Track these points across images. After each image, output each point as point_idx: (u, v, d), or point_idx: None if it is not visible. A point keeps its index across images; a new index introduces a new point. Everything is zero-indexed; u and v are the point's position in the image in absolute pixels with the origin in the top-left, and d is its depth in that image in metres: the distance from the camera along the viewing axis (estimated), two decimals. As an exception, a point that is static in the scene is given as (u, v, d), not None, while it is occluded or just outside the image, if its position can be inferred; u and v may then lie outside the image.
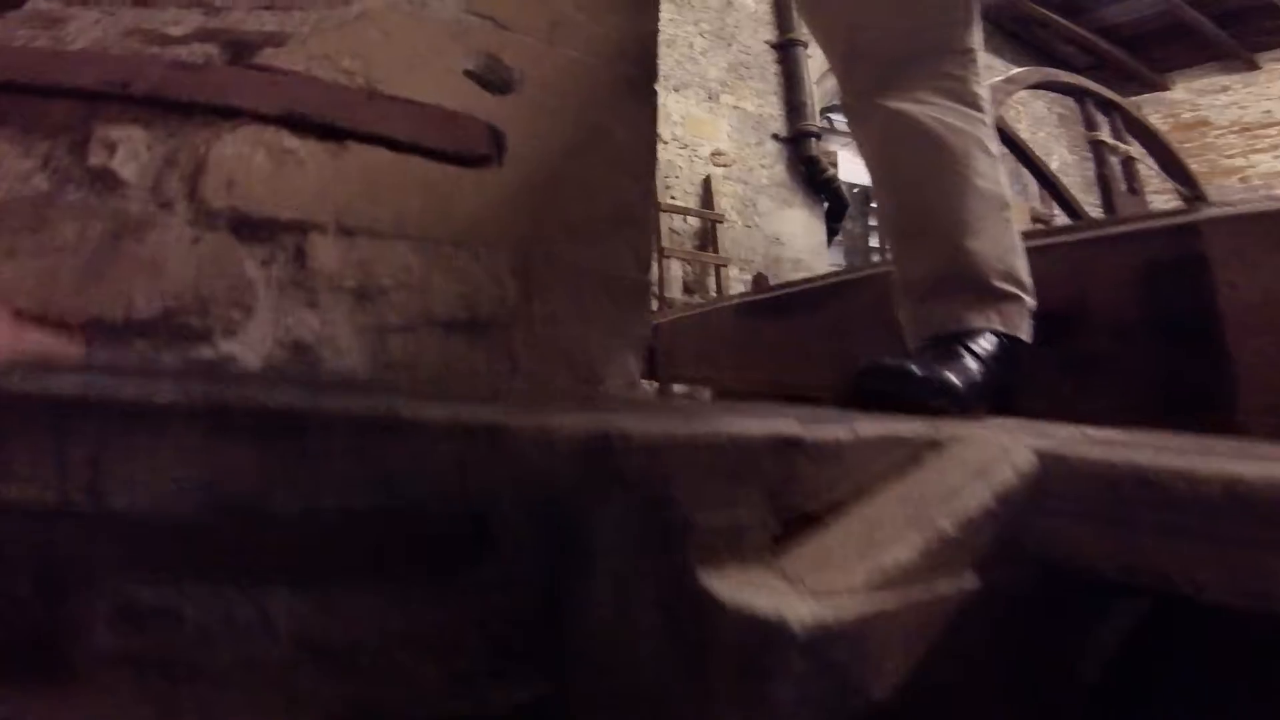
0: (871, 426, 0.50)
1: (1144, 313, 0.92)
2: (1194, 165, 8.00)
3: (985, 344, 0.81)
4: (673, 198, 4.01)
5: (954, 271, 0.84)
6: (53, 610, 0.32)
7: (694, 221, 4.08)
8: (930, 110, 0.87)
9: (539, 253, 0.74)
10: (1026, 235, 1.02)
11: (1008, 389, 0.82)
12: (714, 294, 3.84)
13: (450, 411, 0.30)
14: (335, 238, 0.61)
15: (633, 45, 0.88)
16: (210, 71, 0.62)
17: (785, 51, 5.09)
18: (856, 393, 0.71)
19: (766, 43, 5.11)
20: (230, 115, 0.61)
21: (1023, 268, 0.87)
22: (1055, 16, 6.47)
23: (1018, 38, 6.98)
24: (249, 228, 0.59)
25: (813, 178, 4.78)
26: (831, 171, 4.69)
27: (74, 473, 0.27)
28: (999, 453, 0.48)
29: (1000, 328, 0.83)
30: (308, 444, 0.28)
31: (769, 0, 5.17)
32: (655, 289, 3.66)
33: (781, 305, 1.77)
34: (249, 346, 0.60)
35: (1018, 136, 2.13)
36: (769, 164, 4.75)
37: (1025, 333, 0.85)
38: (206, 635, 0.39)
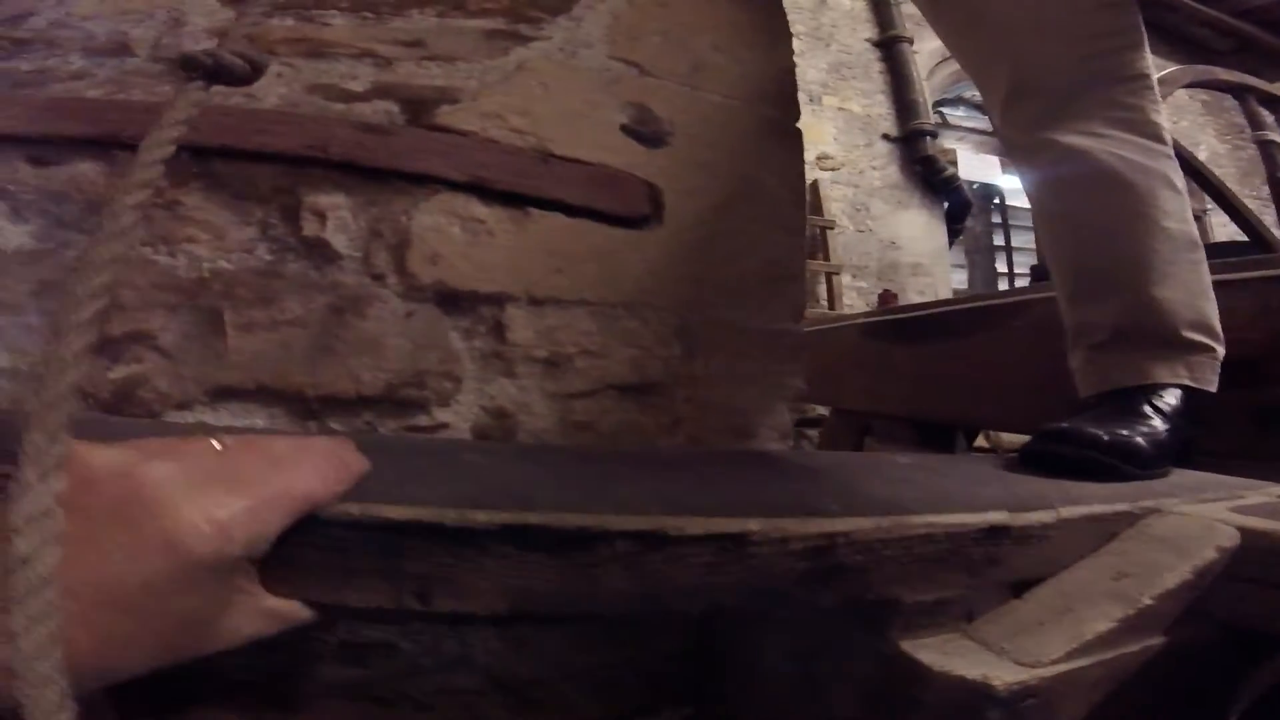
0: (1073, 510, 0.51)
1: None
2: None
3: (1171, 399, 0.76)
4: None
5: (1139, 321, 0.78)
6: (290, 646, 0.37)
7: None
8: (1108, 145, 0.81)
9: (698, 313, 0.76)
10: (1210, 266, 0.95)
11: (1191, 439, 0.77)
12: (824, 302, 3.76)
13: (705, 525, 0.34)
14: (527, 308, 0.67)
15: (771, 85, 0.89)
16: (398, 135, 0.68)
17: (889, 49, 4.91)
18: (1040, 457, 0.68)
19: (867, 40, 4.95)
20: (422, 182, 0.66)
21: (1213, 314, 0.81)
22: (1199, 5, 5.88)
23: (1149, 25, 6.38)
24: (453, 301, 0.65)
25: (930, 177, 4.59)
26: (951, 170, 4.49)
27: (408, 584, 0.32)
28: (1202, 530, 0.50)
29: (1188, 382, 0.77)
30: (593, 554, 0.32)
31: (866, -3, 5.02)
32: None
33: (916, 328, 1.72)
34: (459, 414, 0.67)
35: (1192, 156, 1.96)
36: (880, 166, 4.60)
37: (1213, 384, 0.79)
38: (415, 666, 0.45)
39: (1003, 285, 7.44)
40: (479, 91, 0.71)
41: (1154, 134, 0.83)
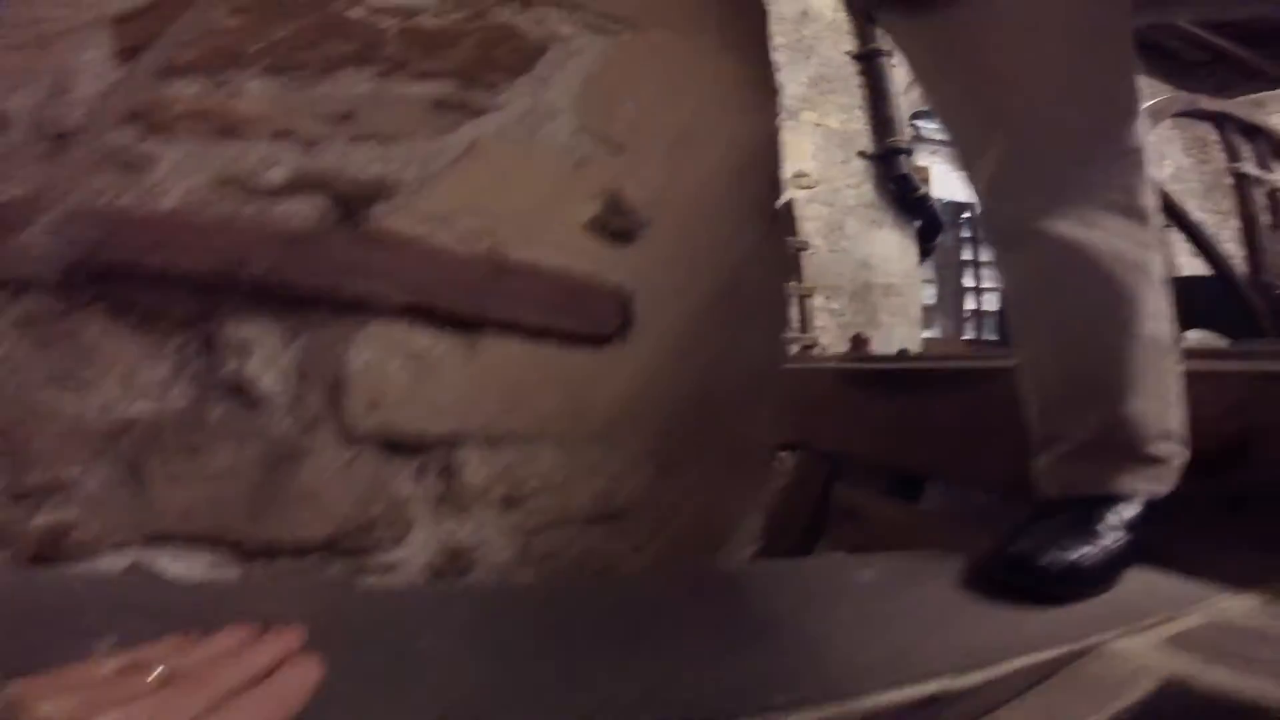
0: (1015, 663, 0.54)
1: None
2: None
3: (1131, 510, 0.78)
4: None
5: (1107, 435, 0.79)
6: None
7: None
8: (1101, 236, 0.77)
9: (673, 430, 0.71)
10: (1185, 353, 0.93)
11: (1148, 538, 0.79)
12: (798, 324, 3.74)
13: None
14: (481, 448, 0.60)
15: (760, 153, 0.83)
16: (326, 247, 0.59)
17: (869, 63, 4.88)
18: (996, 583, 0.70)
19: (847, 54, 4.92)
20: (357, 308, 0.59)
21: (1180, 420, 0.82)
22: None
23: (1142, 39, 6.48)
24: (397, 446, 0.59)
25: (904, 196, 4.60)
26: (924, 190, 4.50)
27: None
28: (1126, 676, 0.53)
29: (1149, 492, 0.80)
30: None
31: (848, 8, 4.98)
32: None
33: (891, 380, 1.71)
34: (412, 553, 0.61)
35: (1176, 203, 1.97)
36: (856, 183, 4.59)
37: (1173, 484, 0.82)
38: None
39: (970, 301, 7.59)
40: (423, 183, 0.62)
41: (1145, 217, 0.80)
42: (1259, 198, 2.16)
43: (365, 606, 0.55)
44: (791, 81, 4.59)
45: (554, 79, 0.68)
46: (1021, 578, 0.68)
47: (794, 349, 3.55)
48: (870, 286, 4.27)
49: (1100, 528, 0.75)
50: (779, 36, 4.67)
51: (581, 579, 0.68)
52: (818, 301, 3.90)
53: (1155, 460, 0.80)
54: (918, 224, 4.62)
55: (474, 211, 0.63)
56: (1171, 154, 6.18)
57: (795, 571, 0.80)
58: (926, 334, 4.19)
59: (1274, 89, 6.78)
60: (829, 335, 3.95)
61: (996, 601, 0.67)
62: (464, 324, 0.62)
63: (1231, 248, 2.20)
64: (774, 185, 0.81)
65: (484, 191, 0.63)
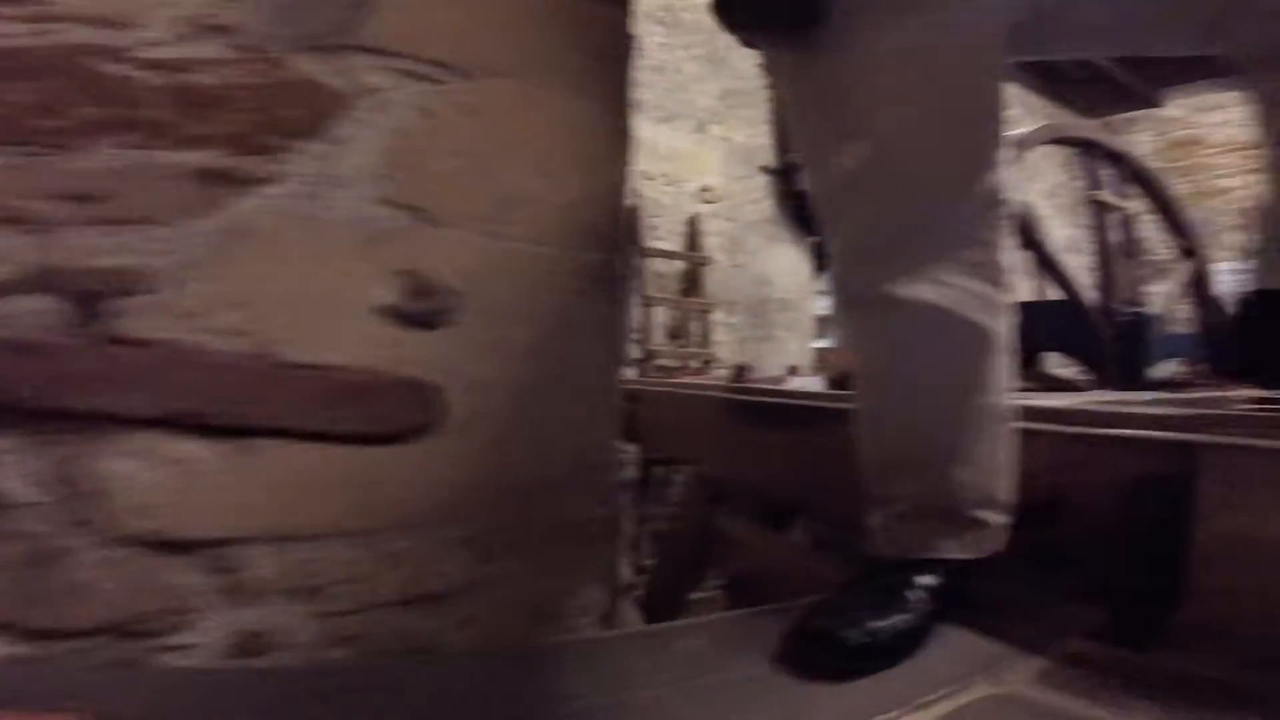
0: None
1: (1117, 526, 0.88)
2: (1183, 185, 7.91)
3: (941, 577, 0.80)
4: (658, 239, 3.96)
5: (934, 500, 0.82)
6: None
7: (678, 263, 4.03)
8: (954, 299, 0.77)
9: (493, 518, 0.68)
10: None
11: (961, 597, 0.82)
12: (698, 339, 3.80)
13: None
14: (267, 546, 0.56)
15: (601, 214, 0.78)
16: (64, 358, 0.51)
17: (774, 76, 4.98)
18: (794, 653, 0.72)
19: (759, 66, 5.01)
20: (109, 422, 0.52)
21: (1007, 488, 0.85)
22: None
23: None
24: (172, 548, 0.54)
25: (801, 211, 4.73)
26: (820, 207, 4.65)
27: None
28: None
29: (968, 555, 0.82)
30: None
31: (763, 24, 5.05)
32: (639, 338, 3.61)
33: (766, 414, 1.74)
34: (205, 636, 0.56)
35: (1034, 230, 2.08)
36: (758, 199, 4.68)
37: (992, 549, 0.85)
38: None
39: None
40: (181, 272, 0.54)
41: (998, 278, 0.80)
42: (1114, 224, 2.32)
43: (159, 686, 0.51)
44: (702, 95, 4.64)
45: (354, 139, 0.60)
46: (821, 653, 0.70)
47: (697, 364, 3.59)
48: (767, 302, 4.38)
49: (908, 595, 0.77)
50: (695, 48, 4.73)
51: (392, 658, 0.64)
52: (717, 317, 3.97)
53: (976, 524, 0.82)
54: (814, 239, 4.77)
55: (240, 304, 0.56)
56: (1048, 170, 6.67)
57: (620, 643, 0.78)
58: (820, 344, 4.33)
59: (1145, 108, 7.40)
60: (726, 350, 4.03)
61: (804, 676, 0.69)
62: (230, 431, 0.56)
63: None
64: (611, 248, 0.78)
65: (254, 279, 0.56)
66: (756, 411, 1.80)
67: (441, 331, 0.65)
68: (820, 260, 4.80)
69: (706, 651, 0.76)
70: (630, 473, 3.45)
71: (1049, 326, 2.18)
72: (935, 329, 0.78)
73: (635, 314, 3.62)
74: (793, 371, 3.02)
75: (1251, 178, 6.84)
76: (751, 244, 4.49)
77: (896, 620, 0.74)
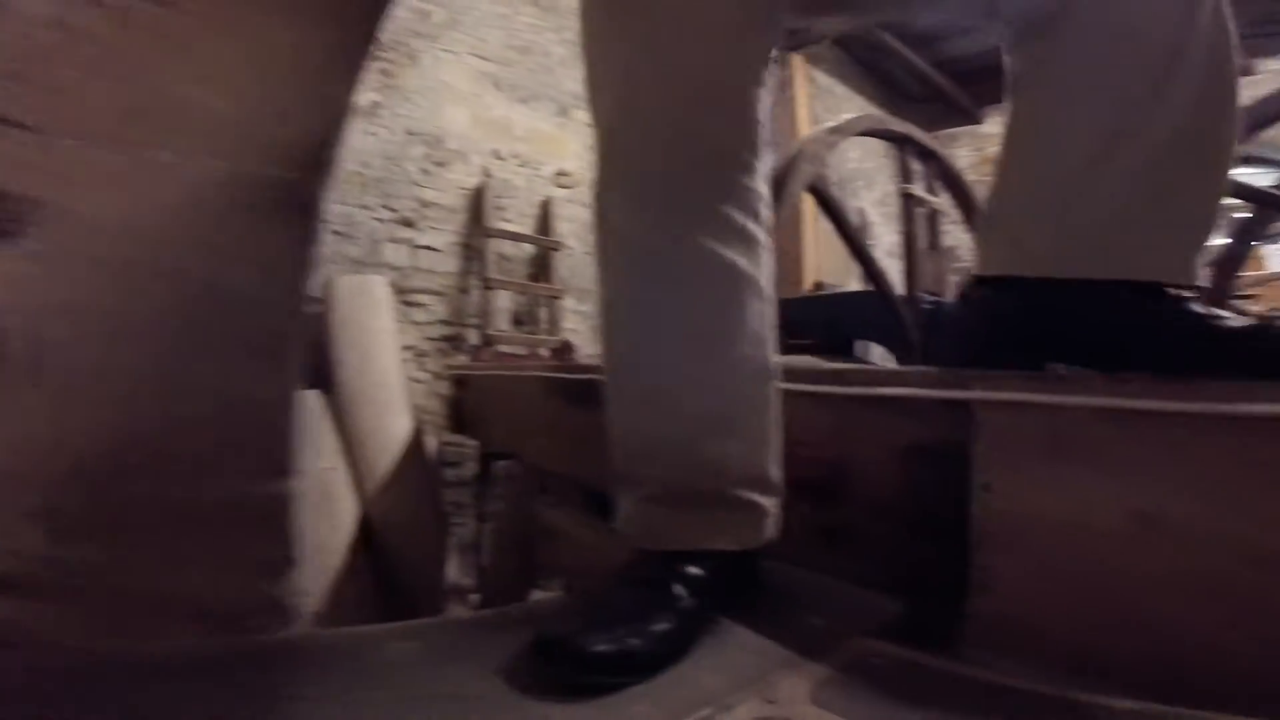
0: None
1: (902, 500, 0.80)
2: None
3: (706, 568, 0.68)
4: (506, 220, 3.74)
5: (690, 481, 0.70)
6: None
7: (528, 247, 3.84)
8: (710, 235, 0.69)
9: (87, 487, 0.50)
10: (790, 374, 0.89)
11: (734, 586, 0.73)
12: (546, 327, 3.62)
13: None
14: None
15: (289, 132, 0.62)
16: None
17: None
18: (527, 662, 0.60)
19: None
20: None
21: (775, 459, 0.75)
22: (901, 47, 6.69)
23: (865, 65, 7.32)
24: None
25: (661, 202, 4.68)
26: (678, 198, 4.61)
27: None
28: None
29: (733, 546, 0.71)
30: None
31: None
32: (478, 323, 3.38)
33: (576, 391, 1.60)
34: None
35: (833, 200, 2.09)
36: (617, 186, 4.59)
37: (763, 539, 0.75)
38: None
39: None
40: None
41: (760, 218, 0.74)
42: (921, 218, 2.40)
43: None
44: (570, 78, 4.48)
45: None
46: (558, 665, 0.58)
47: (546, 351, 3.42)
48: (623, 290, 4.29)
49: (669, 593, 0.65)
50: (566, 31, 4.56)
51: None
52: (568, 303, 3.82)
53: (743, 506, 0.72)
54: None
55: None
56: (881, 182, 7.11)
57: (314, 647, 0.61)
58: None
59: (973, 124, 8.02)
60: (579, 338, 3.89)
61: (534, 692, 0.57)
62: None
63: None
64: (309, 166, 0.60)
65: None
66: (575, 390, 1.65)
67: (14, 248, 0.45)
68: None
69: (421, 659, 0.61)
70: (469, 468, 3.22)
71: (859, 315, 2.24)
72: (690, 269, 0.69)
73: (476, 297, 3.39)
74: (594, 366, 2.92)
75: None
76: (608, 231, 4.38)
77: (653, 624, 0.62)
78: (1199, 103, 0.69)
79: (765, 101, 0.74)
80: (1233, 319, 0.68)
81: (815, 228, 4.79)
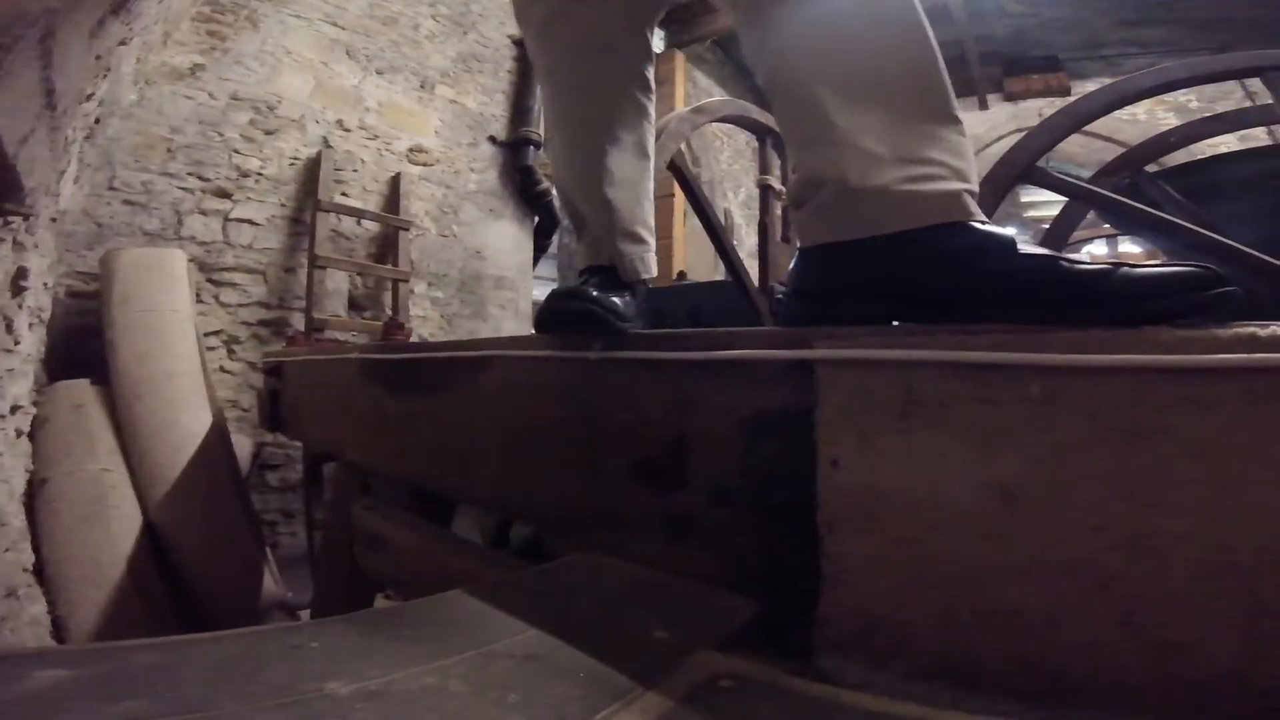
0: None
1: (747, 480, 0.66)
2: None
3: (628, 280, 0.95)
4: (344, 194, 3.37)
5: (599, 218, 0.97)
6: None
7: (372, 226, 3.49)
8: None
9: None
10: (628, 340, 0.80)
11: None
12: (390, 313, 3.30)
13: None
14: None
15: None
16: None
17: (526, 48, 4.67)
18: (553, 315, 0.87)
19: (509, 37, 4.68)
20: None
21: (649, 215, 1.00)
22: None
23: (744, 69, 7.47)
24: None
25: (527, 189, 4.47)
26: (545, 184, 4.43)
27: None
28: None
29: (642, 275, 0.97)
30: None
31: (527, -10, 4.70)
32: (304, 304, 3.01)
33: (397, 376, 1.37)
34: None
35: (691, 178, 1.99)
36: (481, 169, 4.32)
37: (645, 273, 0.98)
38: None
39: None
40: None
41: None
42: (777, 210, 2.37)
43: None
44: (438, 53, 4.17)
45: None
46: (575, 302, 0.85)
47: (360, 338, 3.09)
48: (481, 277, 4.03)
49: (621, 286, 0.96)
50: (441, 6, 4.24)
51: None
52: (420, 288, 3.51)
53: (635, 238, 0.98)
54: (536, 220, 4.54)
55: None
56: (747, 183, 7.30)
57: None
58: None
59: None
60: (430, 325, 3.59)
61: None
62: None
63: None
64: None
65: None
66: (397, 375, 1.42)
67: None
68: (540, 243, 4.58)
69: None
70: (296, 470, 2.85)
71: (717, 304, 2.21)
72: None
73: (302, 276, 3.01)
74: (427, 344, 2.69)
75: None
76: (467, 215, 4.10)
77: (619, 299, 0.88)
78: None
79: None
80: (1078, 260, 0.60)
81: (685, 224, 4.77)
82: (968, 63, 7.12)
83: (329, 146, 3.33)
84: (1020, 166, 1.61)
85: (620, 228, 0.96)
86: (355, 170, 3.47)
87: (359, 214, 3.29)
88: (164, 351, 2.17)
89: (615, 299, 0.85)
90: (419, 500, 1.48)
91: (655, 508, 0.76)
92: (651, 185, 1.02)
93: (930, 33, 0.73)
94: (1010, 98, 7.53)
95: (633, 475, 0.74)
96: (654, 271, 1.00)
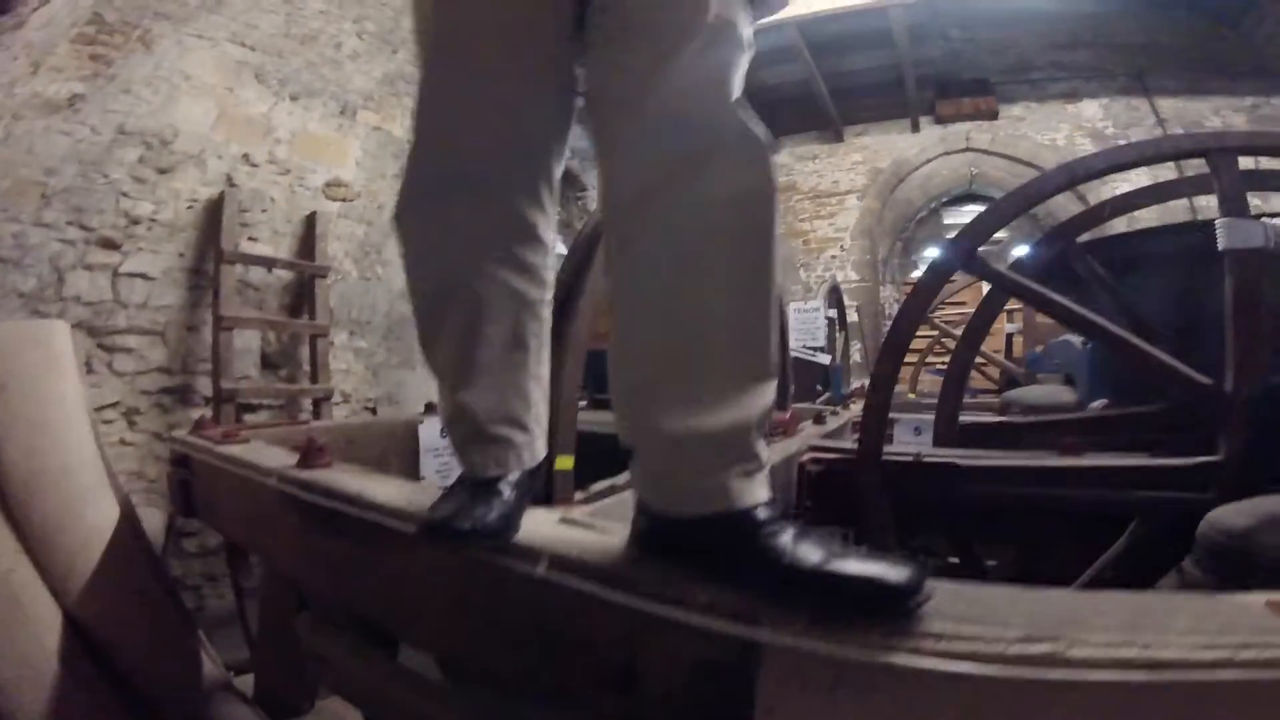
0: None
1: (687, 704, 0.69)
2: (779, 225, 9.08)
3: (511, 478, 0.89)
4: (252, 239, 3.09)
5: (452, 421, 0.94)
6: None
7: (284, 273, 3.22)
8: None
9: None
10: (578, 569, 0.77)
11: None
12: (307, 368, 3.04)
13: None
14: None
15: None
16: None
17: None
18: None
19: None
20: None
21: (521, 408, 0.93)
22: None
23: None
24: None
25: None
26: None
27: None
28: None
29: (493, 472, 0.89)
30: None
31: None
32: (209, 369, 2.73)
33: (323, 519, 1.19)
34: None
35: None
36: (406, 200, 4.08)
37: (523, 464, 0.92)
38: None
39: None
40: None
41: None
42: None
43: None
44: (361, 74, 3.90)
45: None
46: (454, 537, 0.83)
47: (307, 406, 2.85)
48: (409, 321, 3.81)
49: (495, 491, 0.89)
50: (368, 23, 3.98)
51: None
52: (340, 339, 3.26)
53: (496, 439, 0.91)
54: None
55: None
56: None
57: None
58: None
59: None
60: (354, 379, 3.35)
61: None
62: None
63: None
64: None
65: None
66: (323, 517, 1.23)
67: None
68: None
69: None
70: (212, 536, 2.60)
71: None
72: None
73: (206, 335, 2.73)
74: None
75: (824, 222, 8.19)
76: (392, 253, 3.85)
77: (495, 508, 0.86)
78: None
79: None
80: (810, 550, 0.66)
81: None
82: (904, 86, 7.27)
83: (233, 185, 3.05)
84: (967, 251, 1.57)
85: (487, 432, 0.91)
86: (264, 210, 3.19)
87: (269, 263, 3.02)
88: (55, 446, 1.90)
89: (486, 511, 0.83)
90: (362, 624, 1.32)
91: (608, 699, 0.76)
92: (540, 367, 0.98)
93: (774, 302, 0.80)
94: (940, 120, 7.71)
95: (586, 677, 0.77)
96: (539, 458, 0.96)
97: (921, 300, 1.81)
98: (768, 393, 0.77)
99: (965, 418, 2.40)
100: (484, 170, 0.88)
